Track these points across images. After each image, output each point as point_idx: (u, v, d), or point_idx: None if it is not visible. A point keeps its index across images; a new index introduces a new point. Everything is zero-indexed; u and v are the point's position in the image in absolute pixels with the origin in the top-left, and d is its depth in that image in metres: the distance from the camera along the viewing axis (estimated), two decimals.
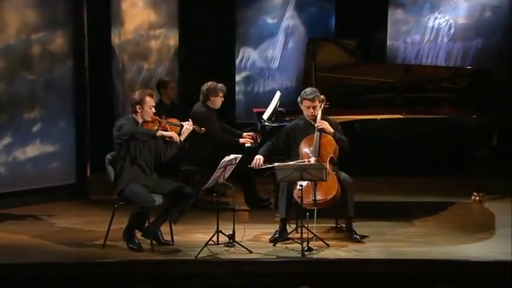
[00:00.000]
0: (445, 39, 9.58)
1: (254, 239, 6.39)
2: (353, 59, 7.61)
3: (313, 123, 6.49)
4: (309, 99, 6.44)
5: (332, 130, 6.44)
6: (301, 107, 6.52)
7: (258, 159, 6.45)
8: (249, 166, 6.47)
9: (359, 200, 6.57)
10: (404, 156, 8.52)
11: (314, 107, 6.45)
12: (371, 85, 7.80)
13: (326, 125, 6.42)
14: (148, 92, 6.27)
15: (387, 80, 7.77)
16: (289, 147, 6.57)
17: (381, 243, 6.33)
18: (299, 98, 6.51)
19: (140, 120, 6.22)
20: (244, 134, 7.48)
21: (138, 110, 6.18)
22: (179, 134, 6.24)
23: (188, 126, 6.30)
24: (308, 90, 6.49)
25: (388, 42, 9.64)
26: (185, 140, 6.35)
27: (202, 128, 6.48)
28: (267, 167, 6.34)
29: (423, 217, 7.19)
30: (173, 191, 6.18)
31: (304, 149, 6.45)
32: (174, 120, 6.32)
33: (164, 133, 6.11)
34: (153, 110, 6.20)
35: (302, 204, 6.09)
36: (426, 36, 9.65)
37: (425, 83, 7.83)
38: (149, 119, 6.22)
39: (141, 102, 6.16)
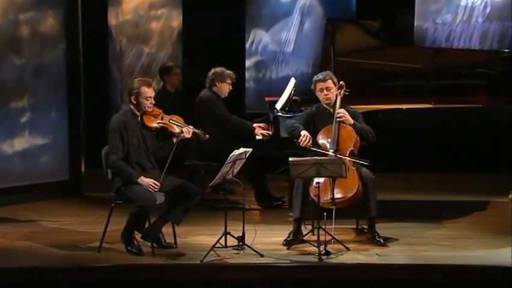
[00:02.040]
0: (480, 20, 9.55)
1: (266, 241, 6.41)
2: (376, 42, 7.60)
3: (331, 111, 6.51)
4: (321, 80, 6.47)
5: (352, 121, 6.45)
6: (316, 93, 6.55)
7: (307, 136, 6.41)
8: (295, 141, 6.43)
9: (382, 199, 6.58)
10: (432, 150, 8.52)
11: (328, 88, 6.48)
12: (396, 71, 7.79)
13: (346, 115, 6.42)
14: (146, 81, 6.26)
15: (414, 66, 7.76)
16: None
17: (407, 246, 6.34)
18: (312, 84, 6.53)
19: (138, 112, 6.24)
20: (255, 125, 7.48)
21: (133, 101, 6.20)
22: (176, 135, 6.25)
23: (186, 134, 6.28)
24: (320, 73, 6.53)
25: (416, 23, 9.61)
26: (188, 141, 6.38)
27: (207, 135, 6.50)
28: (311, 148, 6.30)
29: (453, 218, 7.19)
30: (176, 188, 6.20)
31: (322, 140, 6.47)
32: (179, 120, 6.34)
33: (145, 180, 6.05)
34: (151, 101, 6.21)
35: (319, 203, 6.10)
36: (459, 16, 9.62)
37: (457, 68, 7.81)
38: (149, 110, 6.24)
39: (136, 92, 6.18)
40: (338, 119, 6.43)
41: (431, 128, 7.58)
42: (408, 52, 7.96)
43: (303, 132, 6.44)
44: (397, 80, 7.82)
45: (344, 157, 6.23)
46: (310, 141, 6.41)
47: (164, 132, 6.27)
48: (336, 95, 6.52)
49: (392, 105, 7.39)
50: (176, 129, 6.27)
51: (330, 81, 6.49)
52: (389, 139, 7.13)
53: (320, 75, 6.51)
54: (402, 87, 7.79)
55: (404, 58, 7.75)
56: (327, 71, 6.58)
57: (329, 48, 7.45)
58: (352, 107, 6.67)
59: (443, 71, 7.74)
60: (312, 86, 6.55)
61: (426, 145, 8.30)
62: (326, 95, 6.50)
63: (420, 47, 9.18)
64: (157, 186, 6.06)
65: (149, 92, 6.20)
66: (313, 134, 6.51)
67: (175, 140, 6.27)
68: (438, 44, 9.55)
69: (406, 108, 7.38)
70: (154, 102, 6.24)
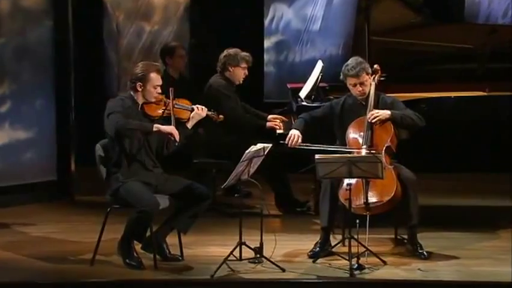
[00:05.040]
0: None
1: (288, 253, 6.45)
2: (420, 18, 7.62)
3: (363, 103, 6.53)
4: (353, 76, 6.46)
5: (388, 114, 6.41)
6: (347, 85, 6.56)
7: (295, 135, 6.50)
8: (282, 142, 6.54)
9: (425, 204, 6.59)
10: (486, 147, 8.51)
11: (362, 83, 6.48)
12: (443, 52, 7.81)
13: (379, 116, 6.42)
14: (155, 66, 6.29)
15: (465, 46, 7.76)
16: (328, 125, 6.59)
17: (455, 260, 6.36)
18: (341, 75, 6.53)
19: (140, 101, 6.29)
20: (270, 116, 7.51)
21: (139, 88, 6.24)
22: (188, 120, 6.31)
23: (199, 111, 6.34)
24: (350, 63, 6.50)
25: None
26: (196, 126, 6.41)
27: (220, 116, 6.56)
28: (305, 148, 6.40)
29: (510, 227, 7.19)
30: (183, 190, 6.25)
31: (353, 134, 6.49)
32: (184, 102, 6.38)
33: (162, 128, 6.15)
34: (158, 90, 6.25)
35: (351, 209, 6.13)
36: None
37: None
38: (153, 100, 6.28)
39: (143, 79, 6.21)
40: (370, 121, 6.41)
41: (484, 120, 7.55)
42: (458, 30, 7.96)
43: (292, 132, 6.52)
44: (444, 64, 7.83)
45: (379, 154, 6.25)
46: (300, 140, 6.48)
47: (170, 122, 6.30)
48: (370, 82, 6.54)
49: (438, 93, 7.41)
50: (185, 114, 6.31)
51: (363, 74, 6.47)
52: (434, 133, 7.14)
53: (351, 70, 6.45)
54: (450, 71, 7.80)
55: (453, 37, 7.76)
56: (358, 60, 6.50)
57: (363, 26, 7.47)
58: (389, 95, 6.68)
59: (499, 52, 7.74)
60: (342, 77, 6.55)
61: (478, 141, 8.29)
62: (361, 90, 6.50)
63: (472, 23, 9.18)
64: (177, 135, 6.10)
65: (157, 79, 6.23)
66: (344, 129, 6.54)
67: (189, 125, 6.31)
68: (494, 19, 9.54)
69: (455, 97, 7.39)
70: (160, 91, 6.28)
